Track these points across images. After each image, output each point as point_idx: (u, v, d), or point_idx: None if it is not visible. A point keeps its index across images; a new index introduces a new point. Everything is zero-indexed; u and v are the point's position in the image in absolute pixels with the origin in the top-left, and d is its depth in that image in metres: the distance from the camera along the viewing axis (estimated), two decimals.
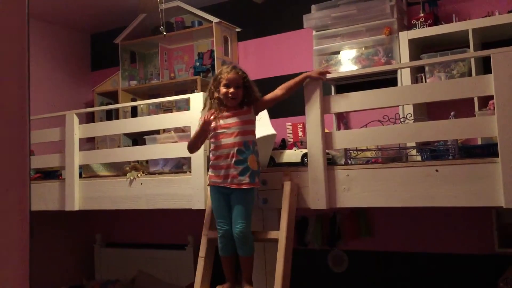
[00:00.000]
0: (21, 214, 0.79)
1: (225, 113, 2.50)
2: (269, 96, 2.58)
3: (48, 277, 4.42)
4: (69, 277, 4.66)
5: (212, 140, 2.52)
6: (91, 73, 5.48)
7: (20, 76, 0.80)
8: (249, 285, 2.49)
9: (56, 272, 4.57)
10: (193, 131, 2.93)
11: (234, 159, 2.43)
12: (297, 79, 2.58)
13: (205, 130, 2.51)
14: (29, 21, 0.82)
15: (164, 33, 3.74)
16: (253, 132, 2.54)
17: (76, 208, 3.40)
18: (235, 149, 2.43)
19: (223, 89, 2.47)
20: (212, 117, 2.48)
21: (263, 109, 2.66)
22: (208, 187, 2.57)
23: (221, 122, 2.48)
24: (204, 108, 2.63)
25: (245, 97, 2.51)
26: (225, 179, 2.44)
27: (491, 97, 2.24)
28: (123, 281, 4.47)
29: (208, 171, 2.57)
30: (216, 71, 4.16)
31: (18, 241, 0.79)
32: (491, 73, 2.18)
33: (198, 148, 2.64)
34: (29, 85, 0.82)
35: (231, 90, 2.45)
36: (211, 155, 2.53)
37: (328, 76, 3.17)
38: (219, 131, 2.48)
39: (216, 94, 2.50)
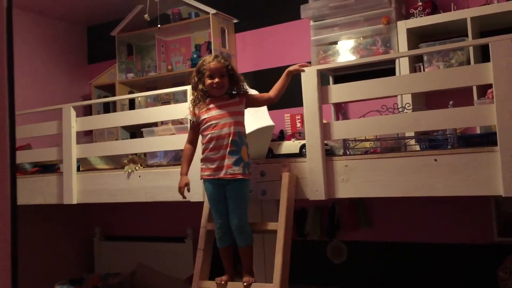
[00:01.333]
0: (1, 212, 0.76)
1: (216, 104, 2.47)
2: (264, 96, 2.58)
3: (48, 271, 4.43)
4: (69, 270, 4.66)
5: (204, 132, 2.48)
6: (88, 66, 5.46)
7: None
8: (250, 276, 2.49)
9: (56, 265, 4.57)
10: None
11: (228, 149, 2.40)
12: (281, 78, 2.57)
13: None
14: (11, 12, 0.79)
15: (159, 26, 3.71)
16: (243, 123, 2.52)
17: (74, 202, 3.38)
18: (230, 139, 2.40)
19: (207, 80, 2.44)
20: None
21: (254, 106, 2.63)
22: (202, 180, 2.55)
23: (213, 113, 2.45)
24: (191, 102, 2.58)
25: (231, 85, 2.49)
26: (219, 170, 2.41)
27: (490, 86, 2.23)
28: (123, 274, 4.47)
29: (201, 163, 2.52)
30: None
31: None
32: (489, 61, 2.16)
33: None
34: (12, 79, 0.79)
35: (216, 80, 2.42)
36: (203, 148, 2.49)
37: (326, 66, 3.16)
38: (212, 122, 2.44)
39: (200, 86, 2.46)
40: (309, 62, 3.59)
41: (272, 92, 2.57)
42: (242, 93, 2.52)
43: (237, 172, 2.40)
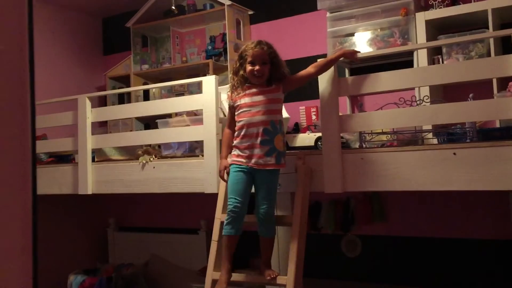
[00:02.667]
0: (23, 209, 0.76)
1: (252, 90, 2.40)
2: (301, 73, 2.47)
3: (63, 261, 4.47)
4: (83, 260, 4.70)
5: (237, 118, 2.42)
6: (103, 58, 5.47)
7: (20, 63, 0.76)
8: (268, 268, 2.45)
9: (70, 255, 4.61)
10: (206, 115, 2.90)
11: (260, 139, 2.34)
12: (332, 56, 2.48)
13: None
14: (32, 4, 0.78)
15: (173, 7, 3.69)
16: (280, 111, 2.44)
17: (89, 192, 3.40)
18: (262, 128, 2.34)
19: (248, 67, 2.36)
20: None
21: (294, 87, 2.51)
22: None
23: (247, 99, 2.39)
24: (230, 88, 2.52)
25: (272, 73, 2.40)
26: (249, 159, 2.35)
27: (511, 79, 2.18)
28: (136, 264, 4.49)
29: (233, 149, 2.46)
30: (229, 55, 4.15)
31: (19, 237, 0.76)
32: (511, 53, 2.11)
33: None
34: (33, 72, 0.78)
35: (257, 67, 2.34)
36: (235, 135, 2.43)
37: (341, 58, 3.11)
38: (245, 109, 2.39)
39: (241, 72, 2.39)
40: (325, 54, 3.57)
41: (313, 68, 2.46)
42: (279, 78, 2.42)
43: (270, 162, 2.34)
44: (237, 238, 2.42)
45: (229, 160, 2.46)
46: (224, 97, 2.86)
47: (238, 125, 2.41)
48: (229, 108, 2.51)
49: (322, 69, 2.47)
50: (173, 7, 3.52)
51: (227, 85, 2.66)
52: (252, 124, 2.36)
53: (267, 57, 2.36)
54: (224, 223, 2.42)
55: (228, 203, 2.40)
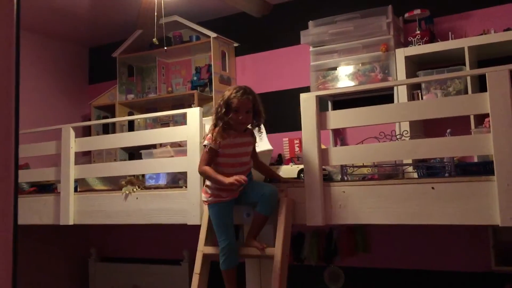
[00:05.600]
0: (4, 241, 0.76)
1: (239, 140, 2.50)
2: (256, 156, 2.68)
3: None
4: None
5: (228, 166, 2.50)
6: (88, 86, 5.49)
7: (7, 90, 0.78)
8: (255, 240, 2.52)
9: (50, 286, 4.52)
10: (190, 146, 2.92)
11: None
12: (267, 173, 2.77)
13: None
14: (19, 32, 0.81)
15: (165, 48, 3.77)
16: None
17: (71, 223, 3.37)
18: (249, 172, 2.58)
19: (234, 115, 2.43)
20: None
21: None
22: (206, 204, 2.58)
23: (236, 150, 2.50)
24: (212, 132, 2.51)
25: (253, 120, 2.52)
26: (237, 193, 2.53)
27: (487, 115, 2.25)
28: None
29: (210, 190, 2.56)
30: (214, 86, 4.20)
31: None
32: (487, 90, 2.19)
33: None
34: (18, 98, 0.80)
35: (241, 117, 2.43)
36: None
37: (325, 92, 3.19)
38: (238, 159, 2.51)
39: (226, 118, 2.44)
40: (309, 87, 3.64)
41: (257, 161, 2.68)
42: (256, 125, 2.56)
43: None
44: (236, 269, 2.53)
45: (207, 199, 2.56)
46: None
47: (227, 170, 2.49)
48: (210, 149, 2.50)
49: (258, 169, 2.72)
50: (154, 39, 3.56)
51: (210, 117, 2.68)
52: (244, 171, 2.51)
53: (251, 106, 2.46)
54: (220, 261, 2.49)
55: (220, 240, 2.48)
